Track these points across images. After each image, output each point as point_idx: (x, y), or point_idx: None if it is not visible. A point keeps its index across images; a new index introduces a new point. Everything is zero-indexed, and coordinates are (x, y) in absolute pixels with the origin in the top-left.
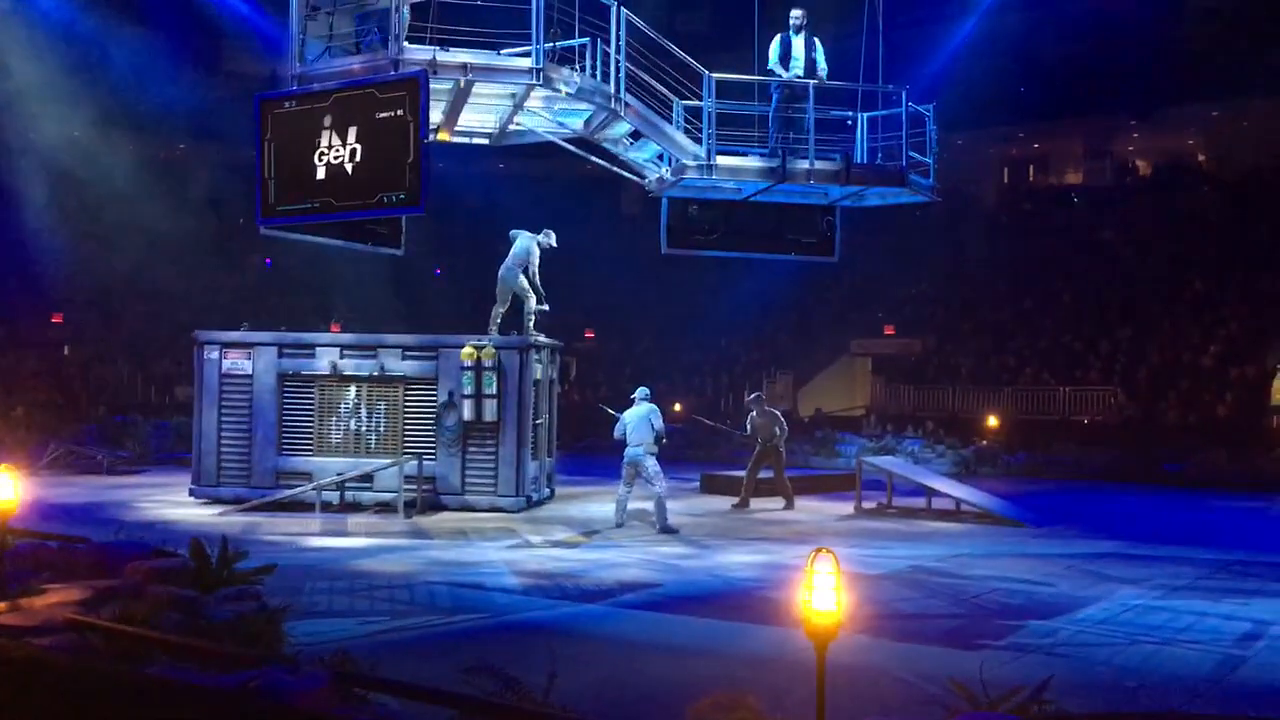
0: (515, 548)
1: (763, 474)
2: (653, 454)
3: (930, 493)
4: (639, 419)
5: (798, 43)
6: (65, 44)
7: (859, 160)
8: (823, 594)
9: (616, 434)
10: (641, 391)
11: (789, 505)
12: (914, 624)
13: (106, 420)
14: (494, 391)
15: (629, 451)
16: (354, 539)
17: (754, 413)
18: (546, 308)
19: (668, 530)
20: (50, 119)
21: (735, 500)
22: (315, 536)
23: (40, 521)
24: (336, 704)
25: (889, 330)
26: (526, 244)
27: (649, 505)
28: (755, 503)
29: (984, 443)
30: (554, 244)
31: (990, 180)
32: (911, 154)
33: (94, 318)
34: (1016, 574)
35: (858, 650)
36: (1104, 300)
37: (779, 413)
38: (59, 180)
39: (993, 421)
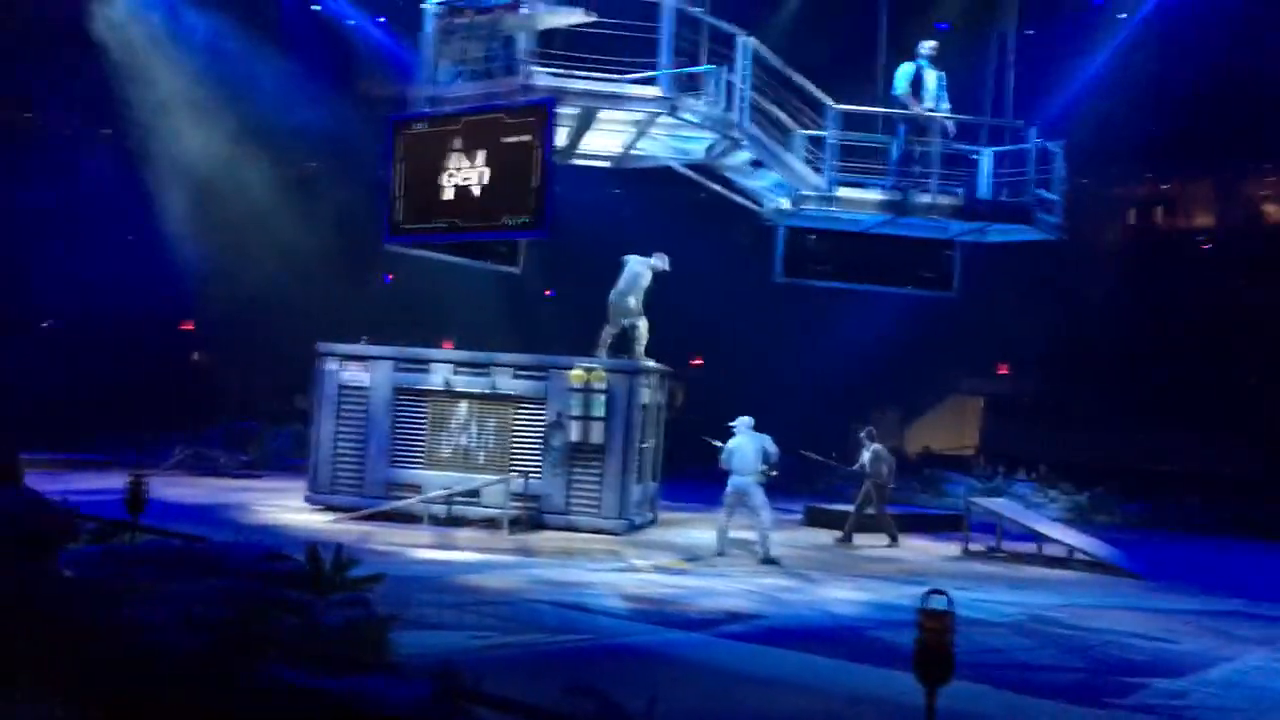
0: (618, 570)
1: (868, 511)
2: (760, 484)
3: (1041, 538)
4: (749, 447)
5: (929, 75)
6: (207, 60)
7: (982, 195)
8: (935, 635)
9: (724, 464)
10: (745, 420)
11: (893, 543)
12: (1028, 674)
13: (230, 425)
14: (602, 414)
15: (735, 480)
16: (460, 553)
17: (865, 449)
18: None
19: (770, 561)
20: (191, 132)
21: (839, 535)
22: (423, 548)
23: (165, 520)
24: (438, 715)
25: (1002, 369)
26: (637, 268)
27: (750, 534)
28: (859, 538)
29: (1100, 489)
30: (667, 267)
31: (1116, 221)
32: (1038, 191)
33: (224, 327)
34: (1134, 628)
35: (967, 697)
36: (1232, 347)
37: (887, 450)
38: (196, 191)
39: (1109, 468)
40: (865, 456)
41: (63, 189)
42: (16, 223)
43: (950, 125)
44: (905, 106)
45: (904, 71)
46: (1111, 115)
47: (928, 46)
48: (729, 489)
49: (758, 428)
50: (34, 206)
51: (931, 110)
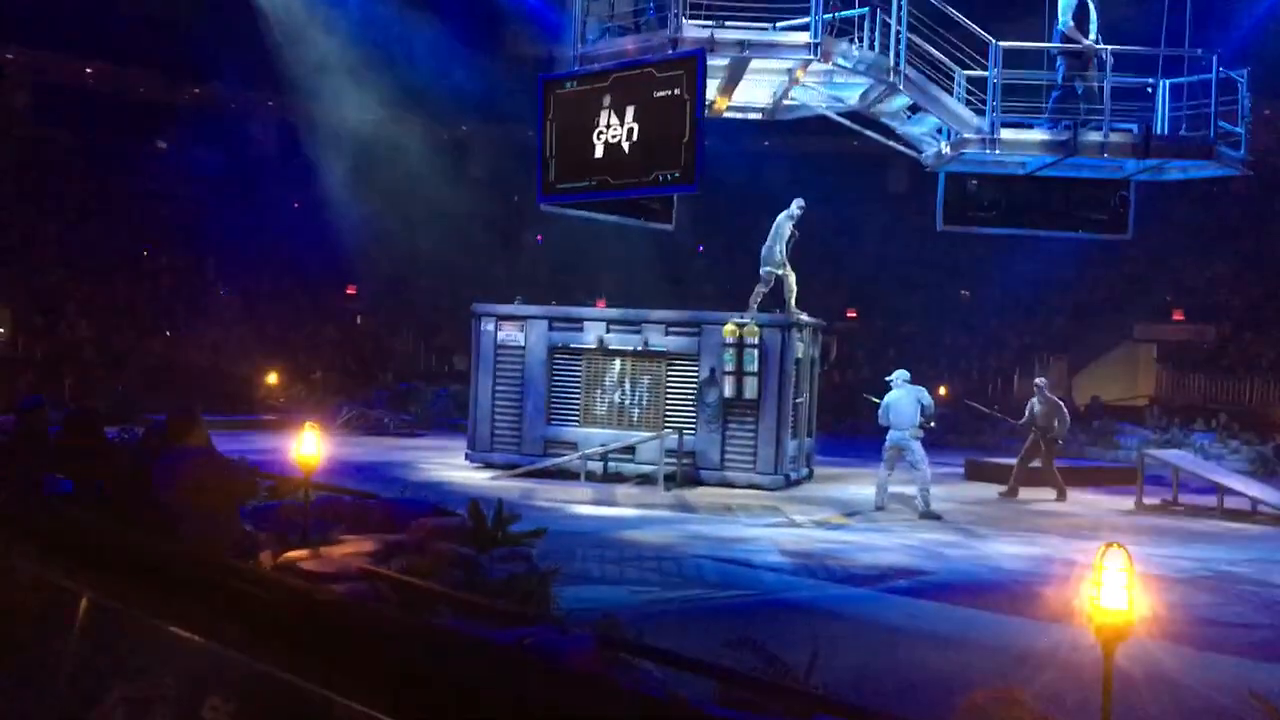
0: (776, 526)
1: (1033, 464)
2: (918, 438)
3: (1223, 490)
4: (904, 401)
5: (1092, 6)
6: (361, 26)
7: (1159, 131)
8: (1113, 591)
9: (881, 419)
10: (901, 374)
11: (1061, 497)
12: (1209, 631)
13: (393, 386)
14: (755, 369)
15: (893, 434)
16: (618, 509)
17: (1035, 399)
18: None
19: (930, 515)
20: (348, 99)
21: (1003, 489)
22: (581, 504)
23: (334, 477)
24: (602, 667)
25: (1178, 315)
26: (780, 221)
27: (909, 489)
28: (1025, 493)
29: None
30: (802, 208)
31: None
32: (1220, 124)
33: (384, 290)
34: None
35: (1144, 655)
36: None
37: (1061, 402)
38: (354, 158)
39: None
40: (1035, 408)
41: (230, 159)
42: (191, 192)
43: (1108, 57)
44: (1072, 41)
45: (1067, 3)
46: None
47: None
48: (887, 443)
49: (916, 381)
50: (204, 176)
51: (1097, 44)
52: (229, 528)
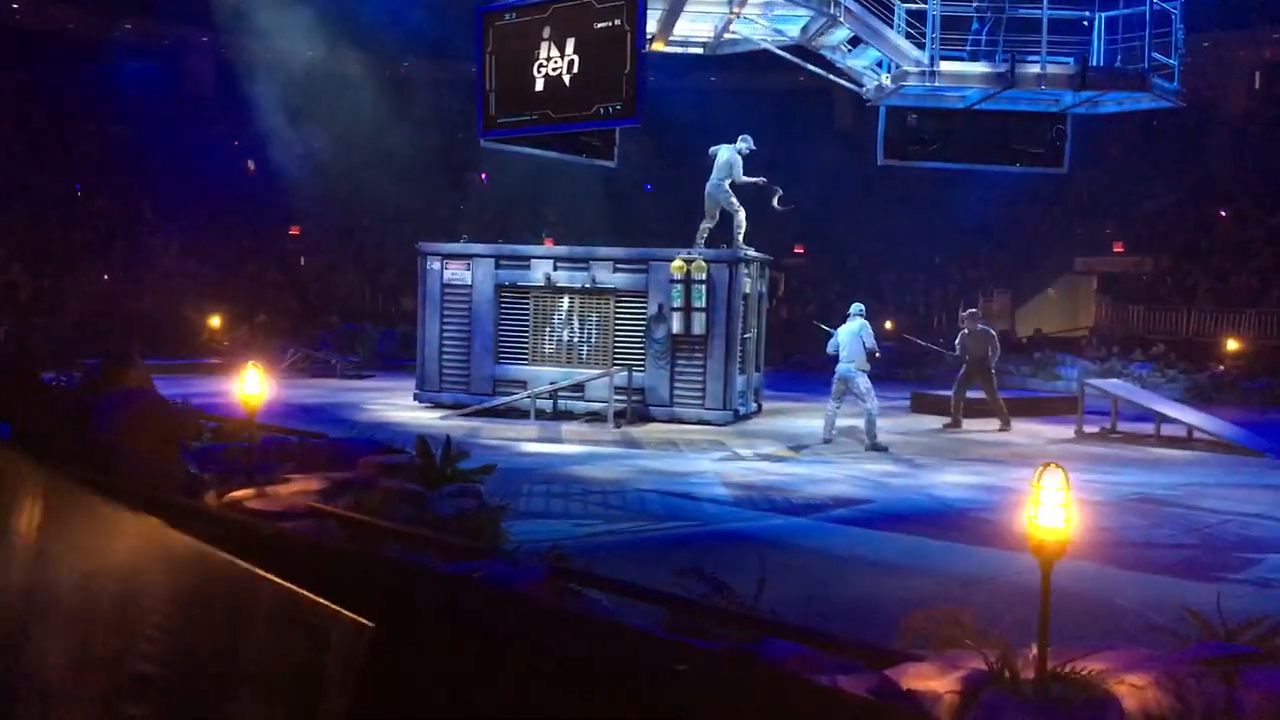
0: (723, 459)
1: (973, 394)
2: (864, 371)
3: (1159, 418)
4: (851, 335)
5: None
6: None
7: (1095, 64)
8: (1050, 510)
9: (829, 349)
10: (856, 307)
11: (1005, 427)
12: (1141, 552)
13: (339, 327)
14: (703, 305)
15: (840, 367)
16: (567, 445)
17: (966, 330)
18: (779, 193)
19: (877, 447)
20: (287, 35)
21: (947, 420)
22: (530, 442)
23: (281, 419)
24: (553, 597)
25: (1118, 247)
26: (728, 155)
27: (857, 422)
28: (969, 423)
29: (1221, 368)
30: (751, 146)
31: (1239, 86)
32: (1155, 55)
33: (328, 230)
34: (1254, 506)
35: (1081, 576)
36: None
37: (993, 331)
38: (295, 96)
39: (1233, 345)
40: (966, 338)
41: (167, 97)
42: (126, 132)
43: None
44: None
45: None
46: None
47: None
48: (836, 377)
49: (865, 316)
50: (139, 115)
51: None
52: (172, 469)
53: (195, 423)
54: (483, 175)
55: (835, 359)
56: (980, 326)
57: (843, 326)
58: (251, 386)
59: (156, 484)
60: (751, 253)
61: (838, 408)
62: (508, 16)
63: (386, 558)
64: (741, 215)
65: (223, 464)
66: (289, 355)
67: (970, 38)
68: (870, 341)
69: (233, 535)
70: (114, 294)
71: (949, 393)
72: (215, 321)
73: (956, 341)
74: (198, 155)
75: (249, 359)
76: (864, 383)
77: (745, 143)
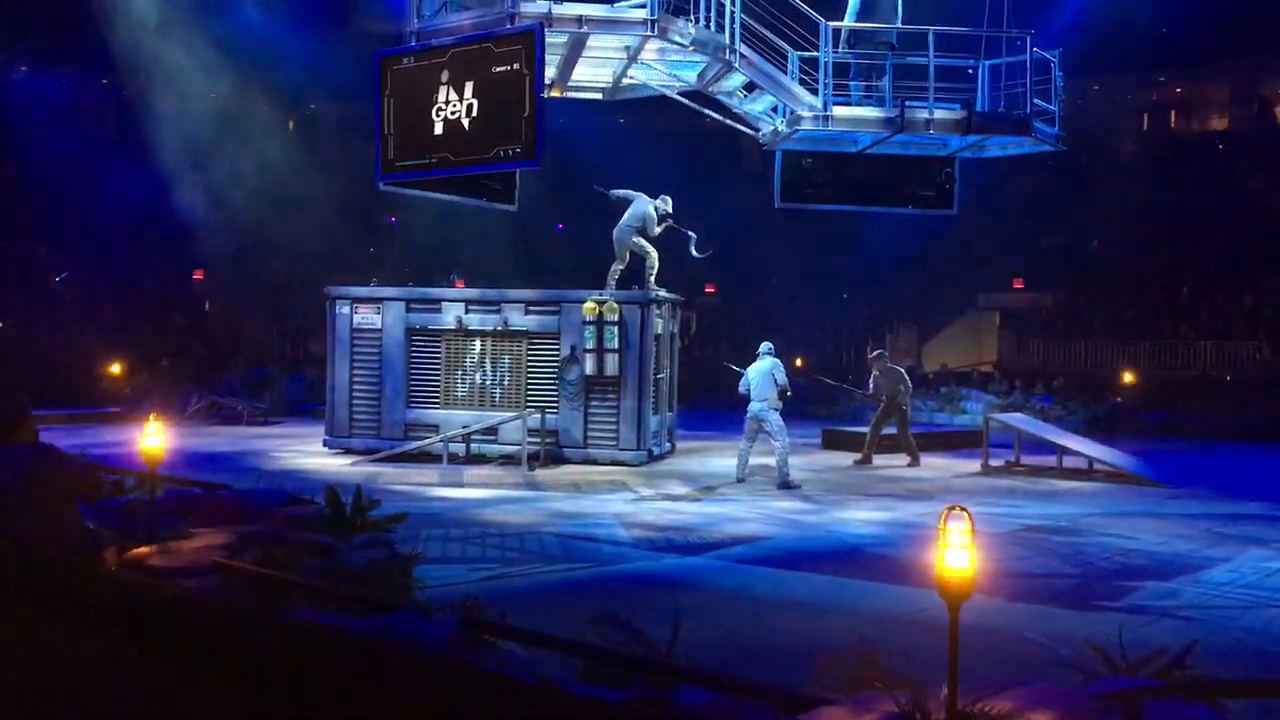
0: (636, 500)
1: (887, 430)
2: (776, 409)
3: (1061, 450)
4: (762, 374)
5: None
6: (197, 8)
7: (980, 109)
8: (956, 552)
9: (741, 389)
10: (765, 346)
11: (914, 462)
12: (1046, 584)
13: (245, 373)
14: (615, 346)
15: (752, 406)
16: (478, 490)
17: (876, 370)
18: (694, 238)
19: (788, 485)
20: (189, 81)
21: (858, 456)
22: (442, 487)
23: (186, 469)
24: (466, 650)
25: (1018, 284)
26: (643, 207)
27: (770, 460)
28: (879, 459)
29: (1119, 400)
30: (670, 210)
31: (1129, 127)
32: (1037, 101)
33: (233, 275)
34: (1142, 534)
35: (989, 611)
36: (1249, 251)
37: (902, 370)
38: (200, 139)
39: (1129, 378)
40: (877, 378)
41: (66, 141)
42: (23, 175)
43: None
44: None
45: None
46: (1120, 19)
47: None
48: (748, 415)
49: (775, 354)
50: (35, 157)
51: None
52: (68, 527)
53: (94, 476)
54: (392, 218)
55: (747, 398)
56: (889, 365)
57: (753, 365)
58: (152, 438)
59: (52, 544)
60: (663, 293)
61: (750, 447)
62: (406, 61)
63: (295, 618)
64: (653, 256)
65: (123, 519)
66: (194, 402)
67: (861, 84)
68: (782, 379)
69: (129, 601)
70: (8, 340)
71: (861, 429)
72: (116, 369)
73: (869, 381)
74: (99, 198)
75: (151, 407)
76: (776, 421)
77: (665, 204)
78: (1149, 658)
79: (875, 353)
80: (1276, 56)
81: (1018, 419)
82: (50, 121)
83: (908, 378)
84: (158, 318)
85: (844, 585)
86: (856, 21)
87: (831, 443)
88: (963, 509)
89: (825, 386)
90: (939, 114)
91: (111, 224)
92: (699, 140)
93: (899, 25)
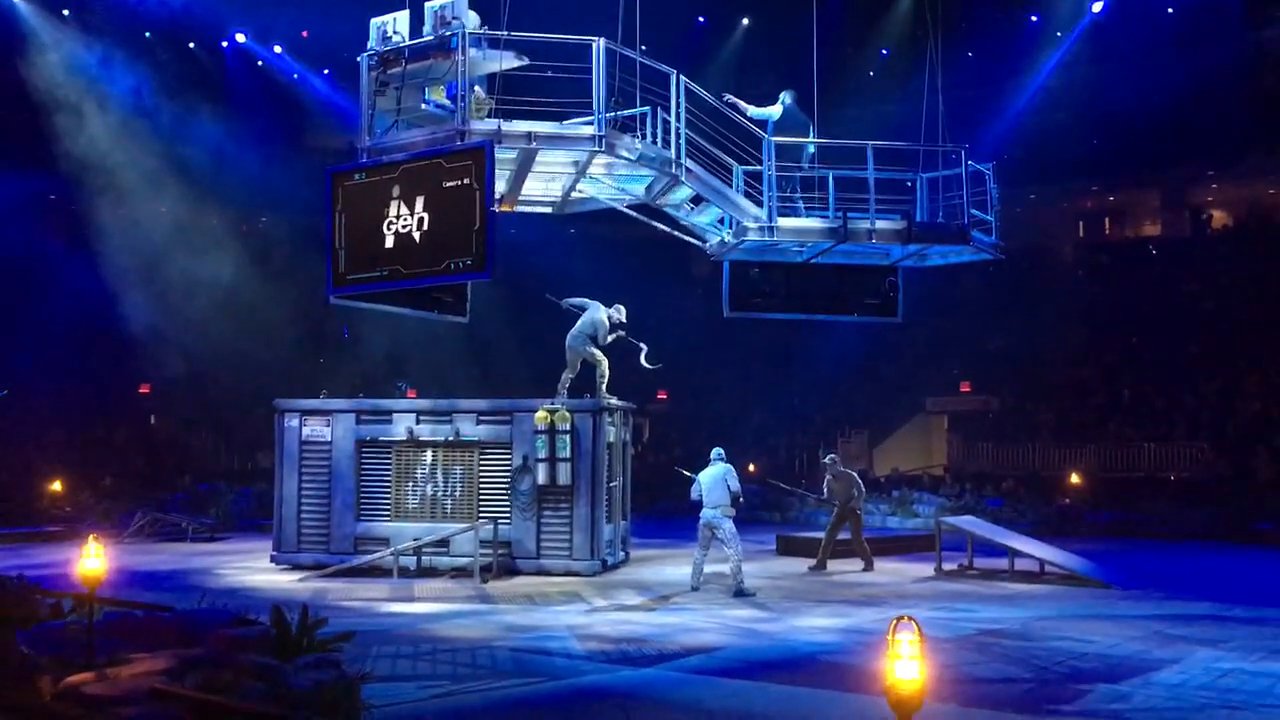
0: (590, 612)
1: (841, 536)
2: (729, 516)
3: (1013, 553)
4: (715, 480)
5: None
6: (152, 124)
7: (920, 219)
8: (905, 664)
9: (694, 496)
10: (716, 452)
11: (868, 567)
12: (998, 690)
13: (191, 488)
14: (568, 455)
15: (705, 513)
16: (429, 604)
17: (830, 474)
18: (645, 349)
19: (742, 593)
20: (138, 196)
21: (812, 562)
22: (391, 602)
23: (127, 589)
24: None
25: (965, 387)
26: (596, 315)
27: (724, 568)
28: (833, 564)
29: (1067, 501)
30: (624, 319)
31: (1066, 235)
32: (974, 212)
33: (180, 388)
34: (1092, 636)
35: (938, 718)
36: (1187, 354)
37: (855, 474)
38: (145, 254)
39: (1075, 479)
40: (831, 483)
41: (9, 249)
42: None
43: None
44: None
45: (765, 112)
46: (1053, 131)
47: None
48: (700, 522)
49: (727, 459)
50: None
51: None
52: (2, 652)
53: (30, 600)
54: (344, 329)
55: (699, 505)
56: (841, 469)
57: (705, 471)
58: (91, 559)
59: None
60: (615, 401)
61: (705, 555)
62: (357, 176)
63: None
64: (604, 365)
65: (60, 644)
66: (137, 519)
67: (799, 195)
68: (735, 485)
69: None
70: None
71: (815, 534)
72: (57, 485)
73: (824, 486)
74: (43, 309)
75: (92, 526)
76: (729, 528)
77: (619, 313)
78: None
79: (828, 458)
80: (1203, 165)
81: (969, 522)
82: None
83: (861, 482)
84: (101, 432)
85: (799, 695)
86: (768, 135)
87: (786, 548)
88: (910, 619)
89: (779, 491)
90: (880, 224)
91: (55, 335)
92: (649, 248)
93: (848, 141)
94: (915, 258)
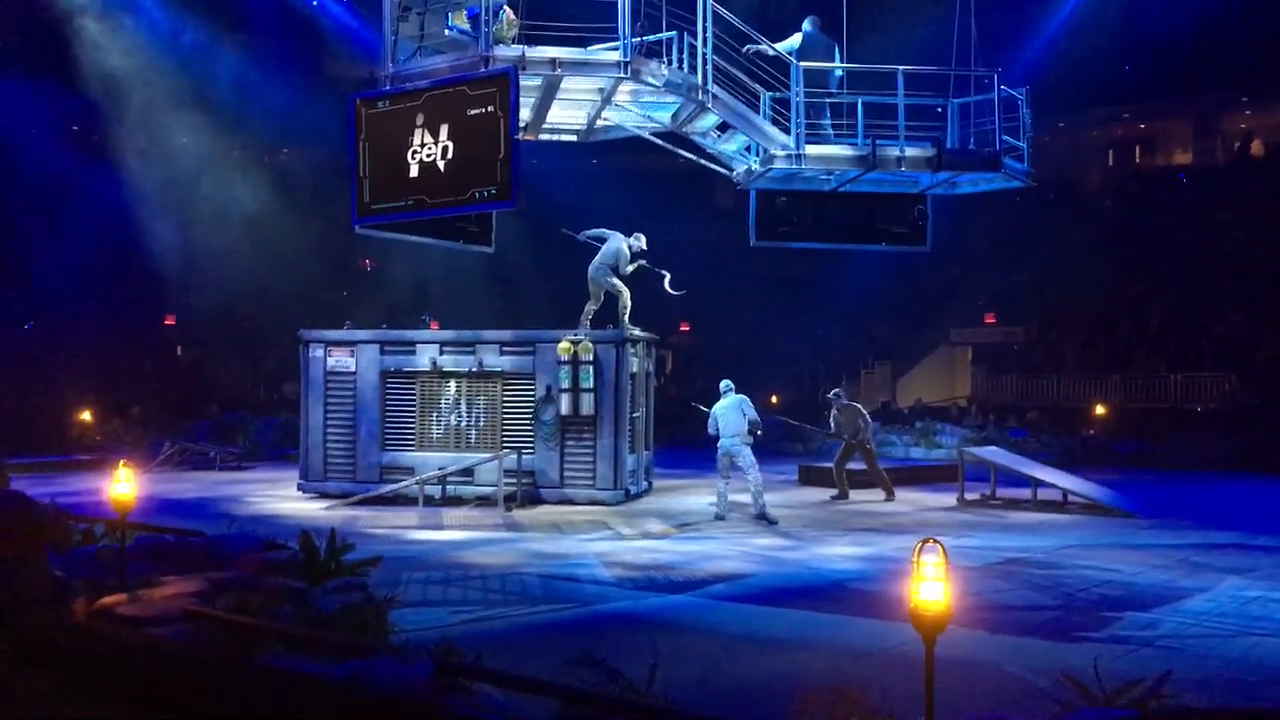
0: (614, 540)
1: (855, 466)
2: (747, 444)
3: (1035, 483)
4: (730, 409)
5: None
6: (174, 53)
7: (950, 146)
8: (930, 585)
9: (710, 430)
10: (726, 384)
11: (889, 497)
12: (1022, 616)
13: (218, 418)
14: (591, 385)
15: (723, 443)
16: (454, 532)
17: (835, 409)
18: (668, 276)
19: (764, 518)
20: (161, 126)
21: (834, 492)
22: (417, 530)
23: (157, 516)
24: (442, 694)
25: (989, 319)
26: (617, 245)
27: (746, 497)
28: (855, 494)
29: (1091, 433)
30: (644, 247)
31: (1095, 163)
32: (1005, 138)
33: (205, 319)
34: (1118, 565)
35: (965, 643)
36: (1216, 284)
37: (859, 406)
38: (172, 184)
39: (1100, 411)
40: (836, 417)
41: (36, 188)
42: None
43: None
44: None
45: (788, 44)
46: (1084, 57)
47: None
48: (719, 452)
49: (750, 391)
50: (3, 205)
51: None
52: (38, 576)
53: (63, 525)
54: (366, 260)
55: (718, 438)
56: (845, 403)
57: (719, 403)
58: (122, 485)
59: (21, 593)
60: (637, 332)
61: (728, 483)
62: (381, 104)
63: (272, 664)
64: (626, 296)
65: (93, 568)
66: (165, 449)
67: (828, 122)
68: (751, 413)
69: (98, 651)
70: None
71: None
72: (87, 416)
73: (830, 419)
74: (69, 242)
75: (122, 455)
76: (748, 456)
77: (639, 241)
78: (1125, 688)
79: (832, 392)
80: (1234, 92)
81: (992, 452)
82: (19, 165)
83: (866, 414)
84: (129, 364)
85: (823, 621)
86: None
87: (809, 479)
88: (936, 541)
89: (789, 426)
90: (910, 152)
91: (82, 269)
92: (672, 179)
93: (877, 65)
94: (945, 185)
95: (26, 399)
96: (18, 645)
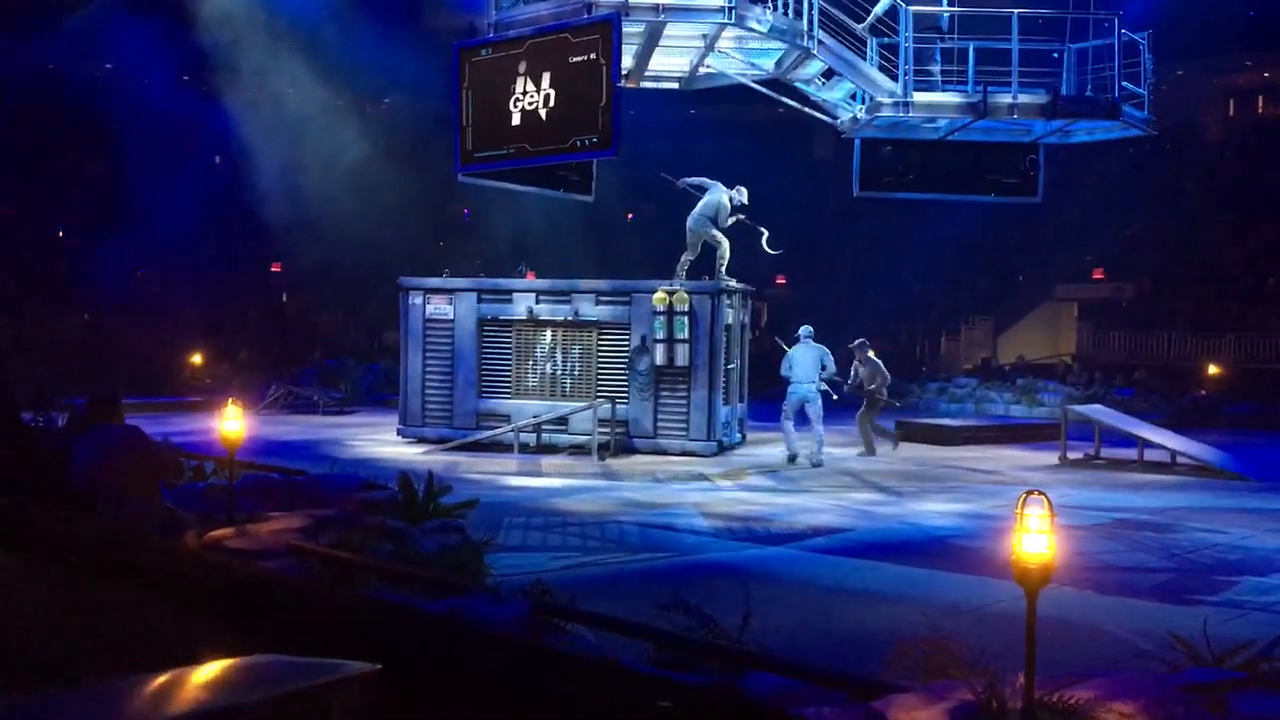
0: (708, 490)
1: (950, 420)
2: (820, 392)
3: (1142, 443)
4: (810, 358)
5: None
6: (276, 5)
7: (1066, 93)
8: (1034, 537)
9: (783, 372)
10: (806, 330)
11: (867, 452)
12: (1127, 577)
13: (321, 364)
14: (685, 336)
15: (799, 388)
16: (550, 479)
17: (858, 359)
18: (766, 234)
19: (819, 465)
20: (268, 76)
21: (886, 445)
22: (513, 476)
23: (262, 456)
24: (537, 633)
25: (1098, 274)
26: (718, 196)
27: (837, 451)
28: (950, 451)
29: (1203, 393)
30: (745, 201)
31: (1214, 113)
32: (1124, 85)
33: (310, 267)
34: (1234, 529)
35: (1067, 602)
36: None
37: (880, 362)
38: (276, 134)
39: (1213, 370)
40: (859, 369)
41: (154, 134)
42: (104, 169)
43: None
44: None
45: None
46: (1204, 0)
47: None
48: (790, 396)
49: (838, 343)
50: (117, 154)
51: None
52: (152, 508)
53: (175, 461)
54: (464, 210)
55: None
56: (869, 355)
57: (796, 348)
58: (231, 424)
59: (136, 524)
60: (734, 284)
61: (793, 424)
62: (484, 52)
63: (371, 597)
64: (725, 246)
65: (203, 502)
66: (271, 392)
67: (937, 68)
68: (831, 366)
69: (213, 579)
70: (95, 332)
71: (932, 420)
72: (197, 359)
73: (853, 369)
74: (179, 192)
75: (230, 396)
76: (817, 405)
77: (741, 195)
78: (1235, 649)
79: (857, 342)
80: None
81: (1097, 410)
82: (130, 119)
83: (885, 371)
84: (237, 310)
85: (920, 577)
86: (904, 4)
87: (906, 435)
88: (1041, 493)
89: (894, 374)
90: (1023, 99)
91: (195, 216)
92: (769, 130)
93: (990, 9)
94: (1059, 134)
95: (141, 341)
96: (133, 572)
